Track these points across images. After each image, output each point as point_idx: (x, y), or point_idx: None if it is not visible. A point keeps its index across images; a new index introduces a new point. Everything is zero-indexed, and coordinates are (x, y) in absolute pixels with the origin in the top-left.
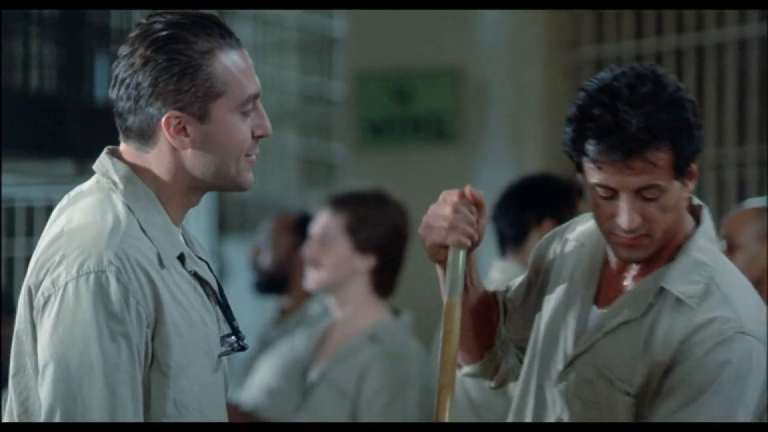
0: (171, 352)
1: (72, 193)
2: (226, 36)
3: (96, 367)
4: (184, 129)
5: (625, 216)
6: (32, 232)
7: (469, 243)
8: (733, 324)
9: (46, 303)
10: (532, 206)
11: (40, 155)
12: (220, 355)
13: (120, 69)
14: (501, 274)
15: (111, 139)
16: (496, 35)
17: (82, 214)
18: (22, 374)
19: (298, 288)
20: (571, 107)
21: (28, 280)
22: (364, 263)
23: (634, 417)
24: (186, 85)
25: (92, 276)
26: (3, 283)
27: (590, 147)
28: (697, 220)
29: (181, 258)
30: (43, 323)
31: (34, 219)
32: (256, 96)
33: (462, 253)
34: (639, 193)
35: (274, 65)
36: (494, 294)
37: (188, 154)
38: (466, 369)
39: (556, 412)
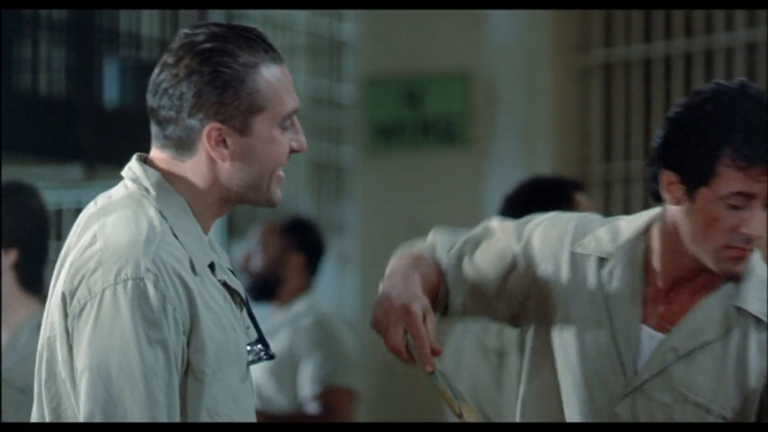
0: (205, 359)
1: (100, 199)
2: (269, 51)
3: (136, 374)
4: (224, 141)
5: (757, 224)
6: None
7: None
8: None
9: (82, 310)
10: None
11: (50, 159)
12: (249, 363)
13: (163, 78)
14: None
15: (121, 142)
16: (506, 38)
17: (116, 221)
18: (53, 381)
19: (289, 289)
20: (686, 118)
21: (62, 286)
22: (7, 259)
23: None
24: (229, 98)
25: (130, 283)
26: None
27: (735, 150)
28: None
29: (211, 266)
30: (79, 330)
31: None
32: (295, 112)
33: (437, 374)
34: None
35: None
36: (438, 267)
37: (226, 167)
38: None
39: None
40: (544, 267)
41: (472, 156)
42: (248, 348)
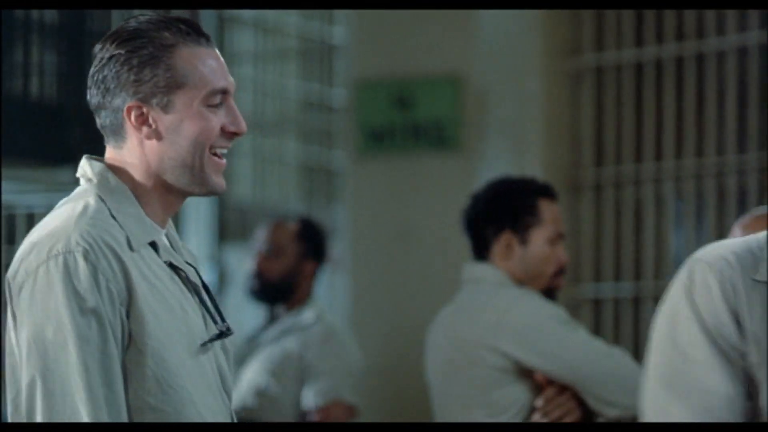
0: (146, 330)
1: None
2: (193, 34)
3: (69, 342)
4: (147, 119)
5: None
6: None
7: None
8: None
9: (20, 289)
10: (490, 221)
11: (41, 162)
12: (204, 343)
13: (92, 68)
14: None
15: None
16: (497, 42)
17: (58, 212)
18: (11, 374)
19: (298, 296)
20: None
21: (6, 275)
22: None
23: None
24: (146, 76)
25: (61, 257)
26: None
27: None
28: None
29: (154, 246)
30: (20, 309)
31: (35, 226)
32: (224, 91)
33: None
34: None
35: (275, 72)
36: None
37: (154, 146)
38: None
39: None
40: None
41: (463, 160)
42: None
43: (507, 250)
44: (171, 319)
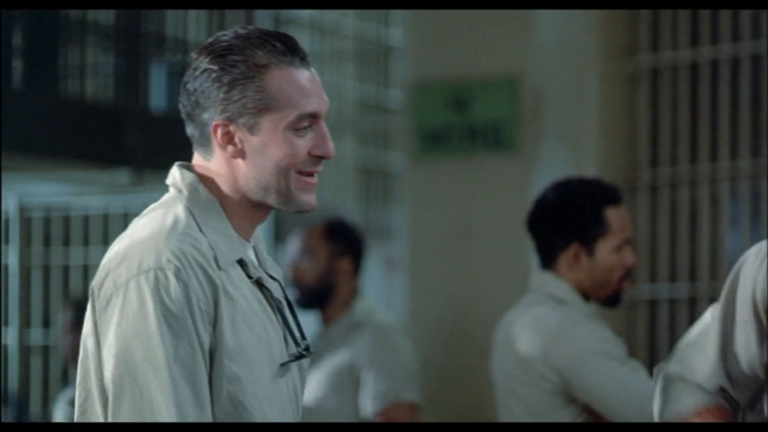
0: (227, 351)
1: (152, 204)
2: (289, 54)
3: (159, 361)
4: (233, 138)
5: None
6: (88, 241)
7: None
8: None
9: (108, 302)
10: (557, 232)
11: (97, 164)
12: (283, 364)
13: (185, 77)
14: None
15: (168, 147)
16: (553, 43)
17: (147, 220)
18: (83, 377)
19: (341, 296)
20: None
21: (92, 283)
22: None
23: None
24: (236, 95)
25: (152, 273)
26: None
27: None
28: None
29: (242, 264)
30: (106, 321)
31: (90, 228)
32: (313, 115)
33: None
34: None
35: (332, 74)
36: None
37: (240, 165)
38: None
39: None
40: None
41: (520, 161)
42: (286, 347)
43: (574, 261)
44: (252, 339)
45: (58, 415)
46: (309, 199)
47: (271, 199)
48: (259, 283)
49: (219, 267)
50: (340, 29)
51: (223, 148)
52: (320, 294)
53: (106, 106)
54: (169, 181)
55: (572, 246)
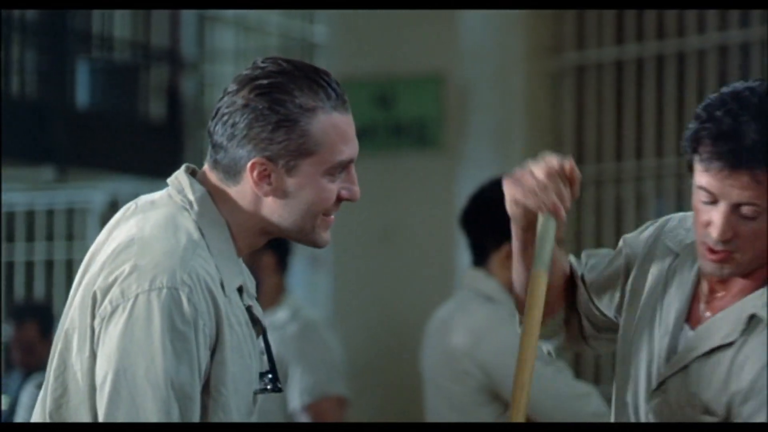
0: (223, 379)
1: (141, 201)
2: (332, 96)
3: (161, 382)
4: (269, 177)
5: (717, 225)
6: (13, 237)
7: (563, 213)
8: None
9: (113, 312)
10: (490, 230)
11: (22, 161)
12: (256, 392)
13: (222, 104)
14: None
15: (92, 144)
16: (479, 41)
17: (155, 226)
18: (62, 371)
19: (266, 292)
20: (700, 106)
21: (95, 284)
22: None
23: None
24: (280, 137)
25: (165, 291)
26: None
27: (704, 148)
28: None
29: (240, 290)
30: (108, 332)
31: (15, 224)
32: (349, 162)
33: (553, 222)
34: (737, 207)
35: None
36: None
37: (268, 201)
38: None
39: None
40: (641, 260)
41: (445, 158)
42: (261, 377)
43: (507, 260)
44: (242, 367)
45: (24, 398)
46: (327, 236)
47: (290, 235)
48: (249, 311)
49: (224, 292)
50: (265, 26)
51: (258, 185)
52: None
53: (30, 102)
54: (172, 184)
55: (505, 245)
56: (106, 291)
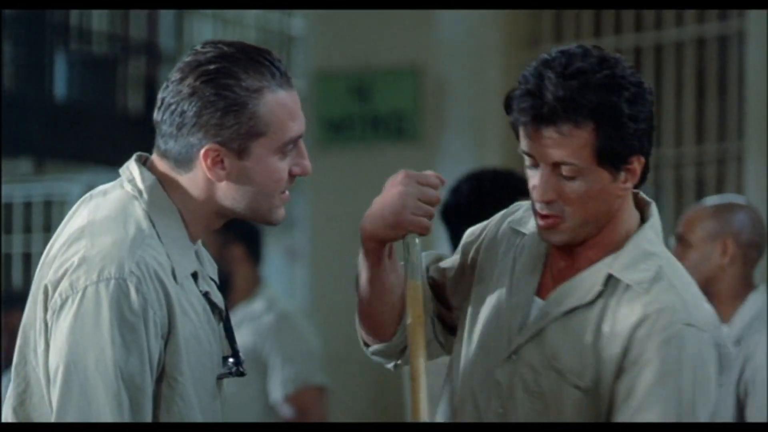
0: (180, 367)
1: (95, 192)
2: (277, 75)
3: (111, 373)
4: (222, 162)
5: (537, 186)
6: None
7: (429, 231)
8: (681, 315)
9: (63, 305)
10: (472, 223)
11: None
12: (219, 377)
13: (168, 93)
14: None
15: (70, 137)
16: (456, 34)
17: (104, 218)
18: (23, 366)
19: (239, 284)
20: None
21: (45, 277)
22: None
23: (583, 412)
24: (229, 121)
25: (113, 282)
26: None
27: (513, 108)
28: (644, 216)
29: (194, 276)
30: (59, 325)
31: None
32: (298, 137)
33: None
34: (556, 167)
35: None
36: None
37: (222, 186)
38: (374, 347)
39: (502, 399)
40: (486, 245)
41: (423, 151)
42: (224, 361)
43: None
44: (200, 353)
45: (4, 383)
46: (282, 213)
47: (246, 215)
48: (207, 296)
49: (175, 280)
50: (243, 19)
51: (210, 170)
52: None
53: (8, 95)
54: (123, 174)
55: None
56: (56, 284)
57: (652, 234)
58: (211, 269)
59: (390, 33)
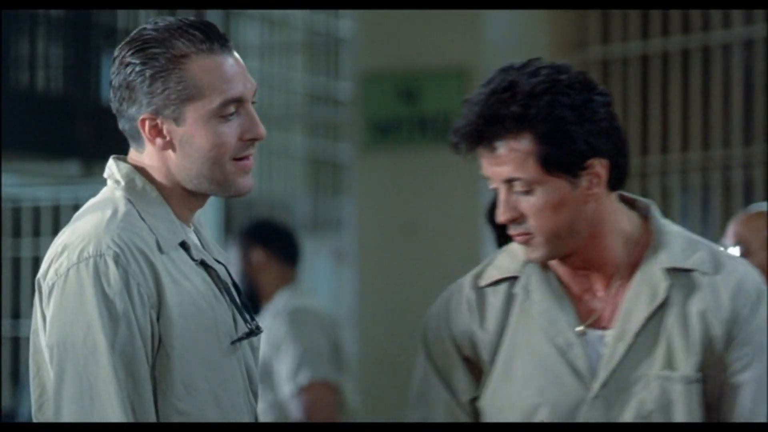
0: (174, 333)
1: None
2: (208, 41)
3: (99, 348)
4: (161, 131)
5: (498, 207)
6: (39, 232)
7: None
8: (755, 275)
9: (50, 292)
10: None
11: (47, 156)
12: (234, 342)
13: (111, 70)
14: None
15: (118, 138)
16: (503, 35)
17: (85, 209)
18: (36, 373)
19: (264, 288)
20: None
21: (37, 275)
22: None
23: (693, 400)
24: (158, 88)
25: (92, 260)
26: (10, 284)
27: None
28: (643, 213)
29: (185, 246)
30: (50, 310)
31: (41, 219)
32: (237, 100)
33: None
34: (510, 185)
35: (281, 65)
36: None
37: (170, 156)
38: None
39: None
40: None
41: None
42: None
43: None
44: (200, 319)
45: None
46: (245, 182)
47: (206, 187)
48: (204, 264)
49: (161, 251)
50: (290, 21)
51: (153, 141)
52: (248, 295)
53: (56, 97)
54: (106, 174)
55: None
56: (44, 275)
57: (669, 223)
58: (218, 253)
59: (437, 35)
